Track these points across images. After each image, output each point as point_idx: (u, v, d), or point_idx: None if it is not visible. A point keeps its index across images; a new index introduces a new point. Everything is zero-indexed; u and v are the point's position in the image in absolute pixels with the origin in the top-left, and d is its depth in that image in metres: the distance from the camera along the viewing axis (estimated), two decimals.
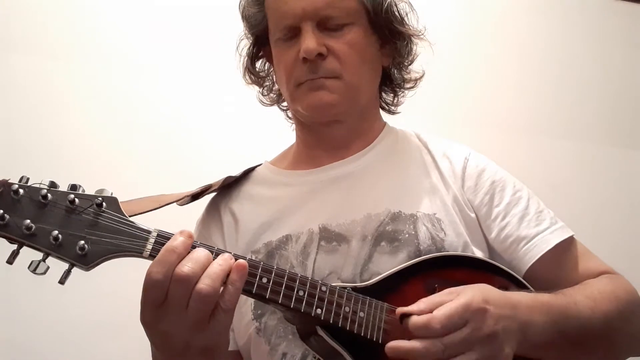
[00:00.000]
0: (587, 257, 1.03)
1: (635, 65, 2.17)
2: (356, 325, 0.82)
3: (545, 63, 2.11)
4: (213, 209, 1.10)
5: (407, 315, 0.80)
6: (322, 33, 1.00)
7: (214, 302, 0.73)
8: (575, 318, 0.88)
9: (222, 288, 0.74)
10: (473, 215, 1.02)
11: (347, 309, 0.82)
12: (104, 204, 0.74)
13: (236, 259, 0.77)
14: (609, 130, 2.12)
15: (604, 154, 2.09)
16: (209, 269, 0.73)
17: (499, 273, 0.97)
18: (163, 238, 0.75)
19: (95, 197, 0.75)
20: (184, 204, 1.04)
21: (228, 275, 0.74)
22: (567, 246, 1.01)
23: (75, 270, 0.74)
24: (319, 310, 0.80)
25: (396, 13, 1.07)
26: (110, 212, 0.74)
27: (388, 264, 0.94)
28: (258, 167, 1.14)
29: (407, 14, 1.09)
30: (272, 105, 1.19)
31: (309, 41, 0.98)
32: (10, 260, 0.71)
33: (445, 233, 0.98)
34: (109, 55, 1.79)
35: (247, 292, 0.78)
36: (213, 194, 1.11)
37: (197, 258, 0.73)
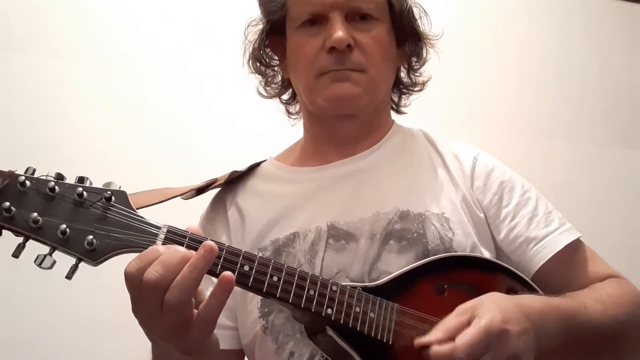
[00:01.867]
0: (595, 260, 1.03)
1: (635, 65, 2.18)
2: (366, 326, 0.81)
3: (545, 63, 2.13)
4: (218, 204, 1.08)
5: (426, 346, 0.77)
6: (350, 25, 0.99)
7: (187, 310, 0.72)
8: (585, 322, 0.88)
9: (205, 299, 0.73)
10: (482, 215, 1.01)
11: (357, 309, 0.81)
12: (113, 197, 0.73)
13: (247, 257, 0.76)
14: (609, 130, 2.13)
15: (603, 154, 2.10)
16: (178, 278, 0.70)
17: (507, 274, 0.96)
18: (173, 234, 0.74)
19: (104, 190, 0.73)
20: (189, 198, 1.02)
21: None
22: (576, 248, 1.01)
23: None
24: (329, 310, 0.79)
25: (416, 15, 1.08)
26: (120, 206, 0.73)
27: (396, 263, 0.93)
28: (263, 163, 1.13)
29: (420, 18, 1.10)
30: (270, 98, 1.17)
31: (341, 31, 0.96)
32: (16, 254, 0.69)
33: (453, 232, 0.97)
34: (110, 54, 1.79)
35: (258, 290, 0.77)
36: (218, 189, 1.09)
37: (168, 262, 0.70)
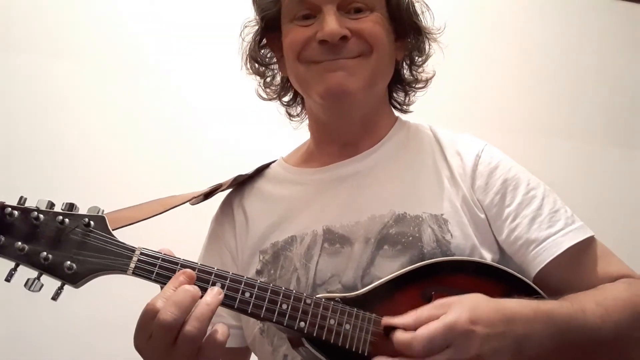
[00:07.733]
0: (608, 259, 0.97)
1: (634, 65, 2.16)
2: (341, 338, 0.82)
3: (545, 63, 2.12)
4: (227, 207, 1.12)
5: (392, 328, 0.80)
6: (344, 16, 0.96)
7: (201, 341, 0.75)
8: (581, 327, 0.84)
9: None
10: (483, 216, 0.98)
11: (332, 321, 0.82)
12: (91, 223, 0.78)
13: (218, 274, 0.80)
14: (608, 130, 2.13)
15: (603, 154, 2.10)
16: (197, 310, 0.74)
17: (505, 278, 0.93)
18: (146, 256, 0.78)
19: (82, 216, 0.78)
20: (196, 203, 1.06)
21: None
22: (584, 248, 0.96)
23: None
24: (302, 324, 0.81)
25: (416, 9, 1.05)
26: (97, 231, 0.78)
27: (390, 268, 0.93)
28: (272, 164, 1.14)
29: (422, 13, 1.06)
30: (270, 100, 1.16)
31: (332, 24, 0.94)
32: (7, 279, 0.76)
33: (452, 235, 0.95)
34: (110, 55, 1.80)
35: (229, 306, 0.80)
36: (225, 192, 1.12)
37: (181, 302, 0.74)
